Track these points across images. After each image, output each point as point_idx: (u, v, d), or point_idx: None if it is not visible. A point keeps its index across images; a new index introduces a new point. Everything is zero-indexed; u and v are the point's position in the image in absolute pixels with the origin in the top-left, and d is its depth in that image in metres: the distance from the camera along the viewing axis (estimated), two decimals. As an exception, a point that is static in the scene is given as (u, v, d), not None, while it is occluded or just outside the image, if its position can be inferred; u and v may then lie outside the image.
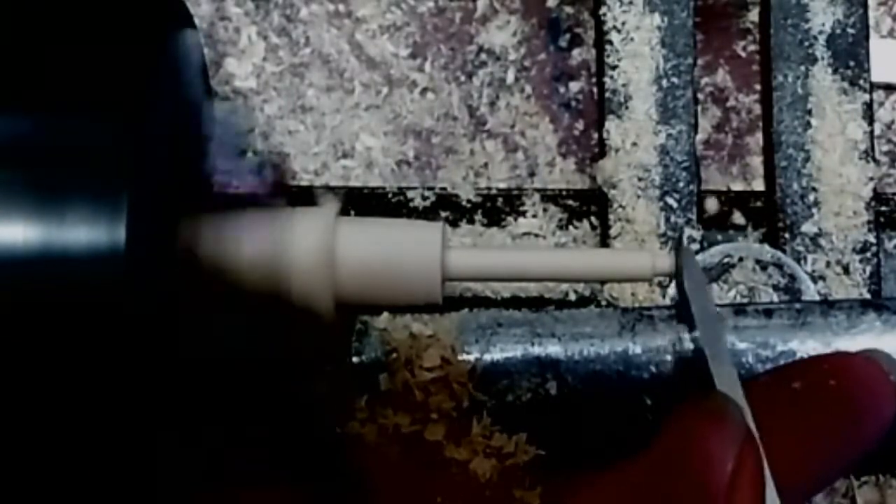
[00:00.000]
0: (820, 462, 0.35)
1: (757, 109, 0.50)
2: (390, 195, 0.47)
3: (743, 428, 0.33)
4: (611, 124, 0.47)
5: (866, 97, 0.47)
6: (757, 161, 0.49)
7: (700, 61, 0.49)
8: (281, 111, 0.49)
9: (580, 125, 0.49)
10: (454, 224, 0.48)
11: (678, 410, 0.35)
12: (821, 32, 0.48)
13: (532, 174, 0.49)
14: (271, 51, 0.49)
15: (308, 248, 0.40)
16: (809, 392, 0.35)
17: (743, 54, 0.50)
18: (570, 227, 0.48)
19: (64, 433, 0.33)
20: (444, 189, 0.48)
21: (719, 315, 0.38)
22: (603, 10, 0.48)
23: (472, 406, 0.39)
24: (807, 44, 0.48)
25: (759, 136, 0.49)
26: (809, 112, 0.47)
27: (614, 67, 0.47)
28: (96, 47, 0.36)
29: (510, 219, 0.48)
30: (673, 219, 0.46)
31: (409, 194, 0.47)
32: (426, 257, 0.41)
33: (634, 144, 0.46)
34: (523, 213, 0.48)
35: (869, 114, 0.47)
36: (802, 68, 0.47)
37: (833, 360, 0.37)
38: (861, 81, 0.47)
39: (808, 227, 0.46)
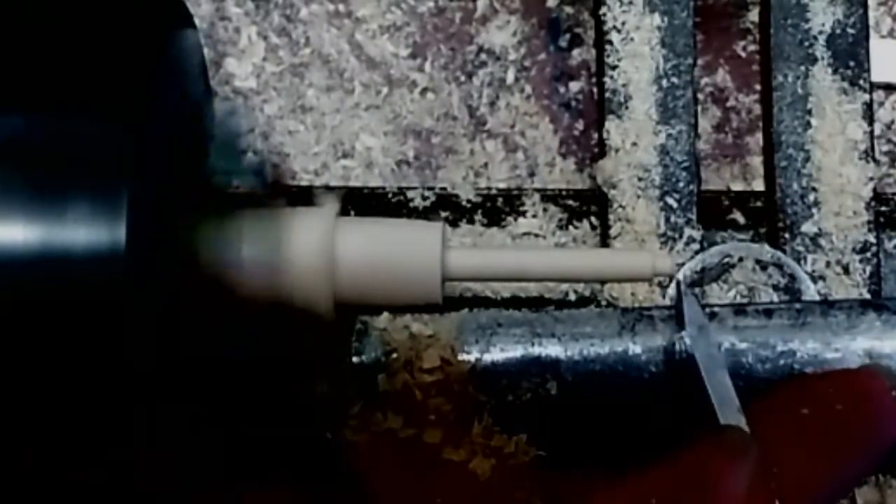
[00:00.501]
0: (829, 483, 0.35)
1: (757, 109, 0.50)
2: (390, 195, 0.47)
3: (757, 465, 0.34)
4: (611, 124, 0.47)
5: (866, 97, 0.47)
6: (757, 161, 0.49)
7: (700, 61, 0.49)
8: (281, 111, 0.49)
9: (580, 125, 0.49)
10: (454, 224, 0.47)
11: (697, 440, 0.35)
12: (821, 32, 0.48)
13: (532, 174, 0.49)
14: (271, 51, 0.49)
15: (308, 248, 0.40)
16: (817, 417, 0.36)
17: (743, 54, 0.50)
18: (570, 227, 0.48)
19: (64, 432, 0.33)
20: (444, 189, 0.48)
21: (721, 357, 0.38)
22: (603, 10, 0.48)
23: (473, 407, 0.39)
24: (807, 44, 0.48)
25: (759, 136, 0.49)
26: (809, 112, 0.47)
27: (614, 67, 0.47)
28: (96, 47, 0.36)
29: (510, 219, 0.48)
30: (673, 219, 0.46)
31: (409, 194, 0.47)
32: (426, 257, 0.41)
33: (634, 144, 0.46)
34: (523, 213, 0.48)
35: (869, 114, 0.47)
36: (802, 68, 0.47)
37: (837, 379, 0.37)
38: (861, 81, 0.47)
39: (808, 227, 0.46)
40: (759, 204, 0.48)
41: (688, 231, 0.46)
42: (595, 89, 0.49)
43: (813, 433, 0.35)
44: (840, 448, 0.35)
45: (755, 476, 0.34)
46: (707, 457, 0.34)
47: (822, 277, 0.46)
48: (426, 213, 0.47)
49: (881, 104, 0.50)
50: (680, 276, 0.44)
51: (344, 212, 0.44)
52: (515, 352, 0.39)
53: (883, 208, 0.47)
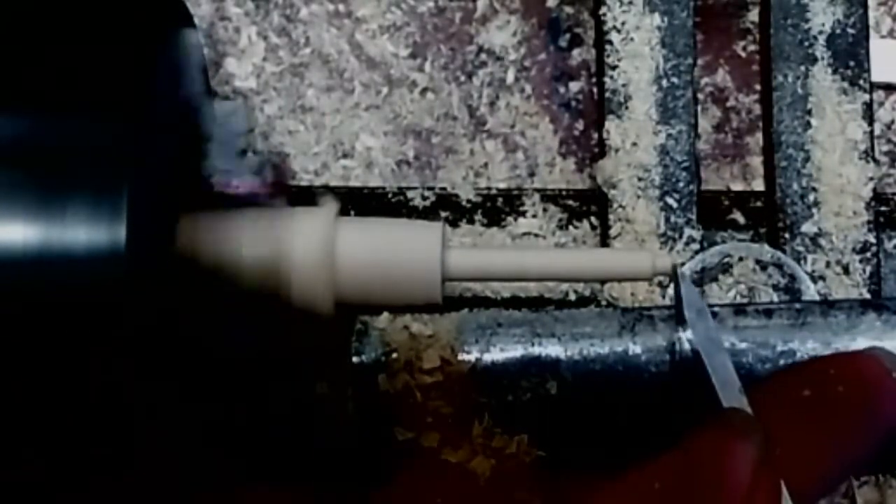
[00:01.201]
0: (831, 465, 0.35)
1: (757, 109, 0.50)
2: (390, 195, 0.47)
3: (763, 445, 0.34)
4: (611, 124, 0.47)
5: (866, 97, 0.47)
6: (757, 161, 0.49)
7: (700, 61, 0.49)
8: (281, 111, 0.49)
9: (580, 125, 0.49)
10: (454, 224, 0.48)
11: (702, 424, 0.35)
12: (821, 32, 0.48)
13: (532, 174, 0.49)
14: (271, 51, 0.49)
15: (308, 248, 0.40)
16: (819, 398, 0.36)
17: (743, 54, 0.50)
18: (570, 227, 0.48)
19: (64, 432, 0.33)
20: (444, 189, 0.48)
21: (721, 340, 0.38)
22: (603, 10, 0.48)
23: (473, 407, 0.39)
24: (807, 44, 0.48)
25: (759, 136, 0.49)
26: (809, 112, 0.47)
27: (614, 67, 0.47)
28: (96, 47, 0.36)
29: (510, 219, 0.48)
30: (673, 219, 0.46)
31: (409, 194, 0.47)
32: (426, 257, 0.41)
33: (634, 144, 0.46)
34: (523, 213, 0.48)
35: (869, 114, 0.47)
36: (802, 68, 0.47)
37: (838, 362, 0.37)
38: (861, 81, 0.47)
39: (808, 227, 0.46)
40: (759, 204, 0.48)
41: (688, 231, 0.46)
42: (595, 89, 0.49)
43: (814, 415, 0.36)
44: (841, 430, 0.35)
45: (760, 457, 0.34)
46: (712, 439, 0.34)
47: (822, 277, 0.46)
48: (426, 213, 0.47)
49: (881, 104, 0.50)
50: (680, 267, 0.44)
51: (344, 212, 0.43)
52: (515, 352, 0.39)
53: (883, 208, 0.47)
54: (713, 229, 0.47)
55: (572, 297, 0.47)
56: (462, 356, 0.39)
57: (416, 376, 0.39)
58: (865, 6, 0.48)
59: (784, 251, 0.46)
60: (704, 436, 0.34)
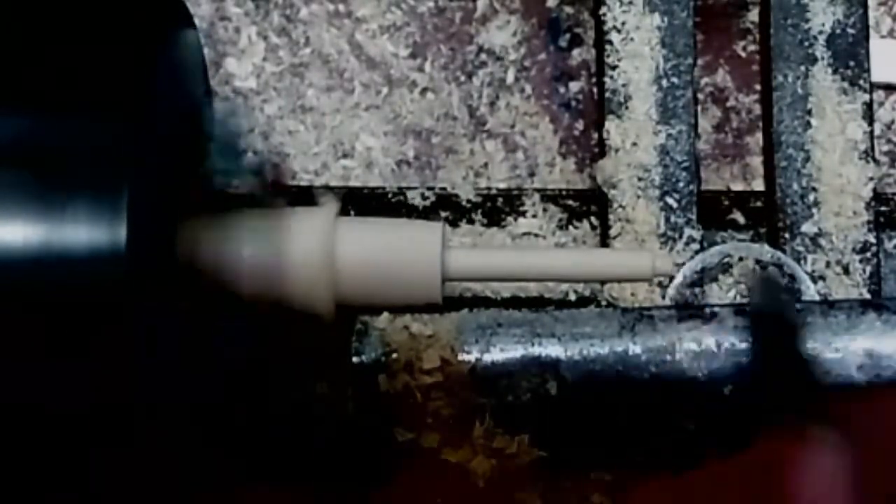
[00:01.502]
0: None
1: (757, 109, 0.50)
2: (390, 195, 0.47)
3: (837, 456, 0.34)
4: (611, 124, 0.47)
5: (866, 97, 0.47)
6: (757, 161, 0.49)
7: (700, 61, 0.49)
8: (281, 111, 0.49)
9: (580, 125, 0.49)
10: (454, 224, 0.47)
11: (775, 431, 0.34)
12: (821, 32, 0.48)
13: (532, 174, 0.49)
14: (271, 51, 0.49)
15: (308, 248, 0.40)
16: None
17: (743, 54, 0.50)
18: (570, 227, 0.48)
19: (64, 432, 0.33)
20: (444, 189, 0.48)
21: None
22: (603, 10, 0.48)
23: (473, 408, 0.39)
24: (807, 44, 0.48)
25: (759, 136, 0.49)
26: (809, 112, 0.47)
27: (614, 67, 0.47)
28: (96, 47, 0.36)
29: (510, 219, 0.48)
30: (673, 219, 0.46)
31: (409, 194, 0.47)
32: (426, 257, 0.41)
33: (634, 144, 0.46)
34: (523, 213, 0.48)
35: (869, 114, 0.47)
36: (802, 68, 0.47)
37: None
38: (861, 81, 0.47)
39: (808, 227, 0.46)
40: (759, 204, 0.48)
41: (688, 231, 0.46)
42: (595, 89, 0.49)
43: None
44: None
45: (836, 471, 0.33)
46: (781, 444, 0.34)
47: (822, 277, 0.46)
48: (426, 213, 0.47)
49: (881, 104, 0.50)
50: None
51: (344, 212, 0.44)
52: (515, 352, 0.39)
53: (883, 208, 0.47)
54: (713, 229, 0.47)
55: (572, 297, 0.47)
56: (462, 356, 0.39)
57: (416, 376, 0.39)
58: (865, 6, 0.48)
59: (784, 251, 0.46)
60: (773, 440, 0.34)
